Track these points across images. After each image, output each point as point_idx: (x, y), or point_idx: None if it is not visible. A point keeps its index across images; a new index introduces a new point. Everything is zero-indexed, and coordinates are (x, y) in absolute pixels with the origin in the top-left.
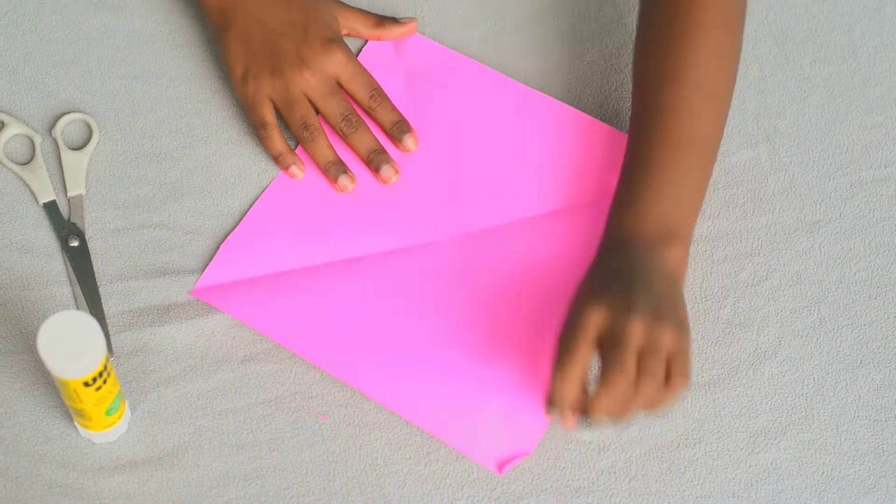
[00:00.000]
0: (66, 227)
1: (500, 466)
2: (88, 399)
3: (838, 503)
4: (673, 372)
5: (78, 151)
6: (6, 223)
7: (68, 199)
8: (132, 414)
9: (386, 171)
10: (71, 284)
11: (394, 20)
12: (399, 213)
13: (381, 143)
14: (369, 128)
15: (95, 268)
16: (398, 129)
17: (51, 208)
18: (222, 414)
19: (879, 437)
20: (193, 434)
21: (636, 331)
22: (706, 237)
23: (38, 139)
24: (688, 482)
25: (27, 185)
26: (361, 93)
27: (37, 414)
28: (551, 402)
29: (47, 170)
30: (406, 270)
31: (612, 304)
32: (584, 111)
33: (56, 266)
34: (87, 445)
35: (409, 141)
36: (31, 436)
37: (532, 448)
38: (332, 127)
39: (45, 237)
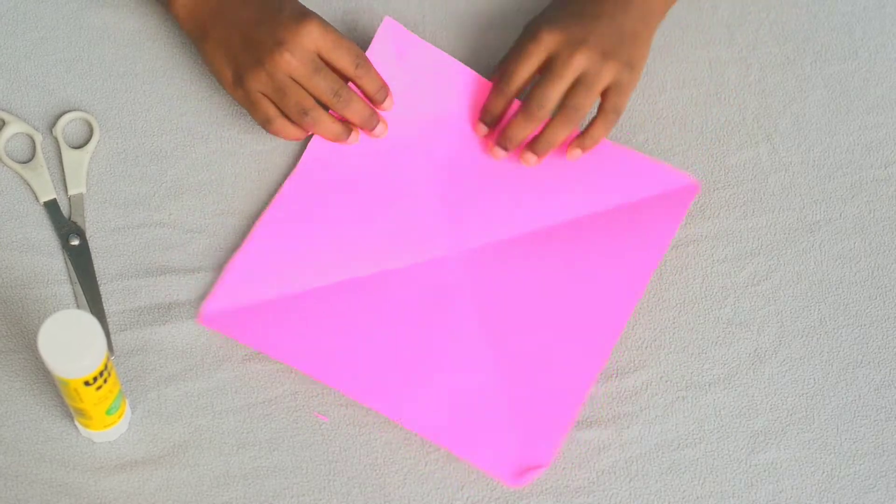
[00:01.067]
0: (66, 225)
1: (517, 478)
2: (89, 398)
3: (838, 503)
4: (603, 105)
5: (78, 150)
6: (7, 222)
7: (69, 198)
8: (132, 413)
9: (380, 130)
10: (71, 283)
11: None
12: (404, 227)
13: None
14: (360, 97)
15: (96, 266)
16: (381, 95)
17: (51, 207)
18: (222, 413)
19: (879, 437)
20: (193, 433)
21: (576, 63)
22: (706, 237)
23: (38, 138)
24: (688, 482)
25: (28, 184)
26: (345, 63)
27: (37, 413)
28: (481, 116)
29: (48, 168)
30: (416, 287)
31: (568, 32)
32: None
33: (56, 265)
34: (87, 445)
35: (388, 103)
36: (32, 435)
37: (549, 461)
38: (325, 104)
39: (46, 236)
